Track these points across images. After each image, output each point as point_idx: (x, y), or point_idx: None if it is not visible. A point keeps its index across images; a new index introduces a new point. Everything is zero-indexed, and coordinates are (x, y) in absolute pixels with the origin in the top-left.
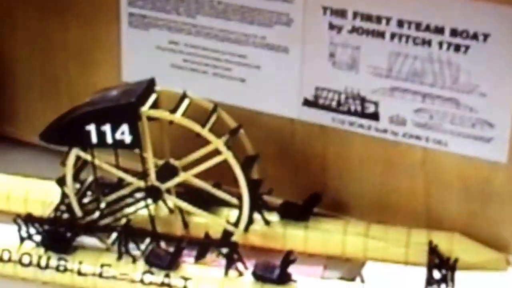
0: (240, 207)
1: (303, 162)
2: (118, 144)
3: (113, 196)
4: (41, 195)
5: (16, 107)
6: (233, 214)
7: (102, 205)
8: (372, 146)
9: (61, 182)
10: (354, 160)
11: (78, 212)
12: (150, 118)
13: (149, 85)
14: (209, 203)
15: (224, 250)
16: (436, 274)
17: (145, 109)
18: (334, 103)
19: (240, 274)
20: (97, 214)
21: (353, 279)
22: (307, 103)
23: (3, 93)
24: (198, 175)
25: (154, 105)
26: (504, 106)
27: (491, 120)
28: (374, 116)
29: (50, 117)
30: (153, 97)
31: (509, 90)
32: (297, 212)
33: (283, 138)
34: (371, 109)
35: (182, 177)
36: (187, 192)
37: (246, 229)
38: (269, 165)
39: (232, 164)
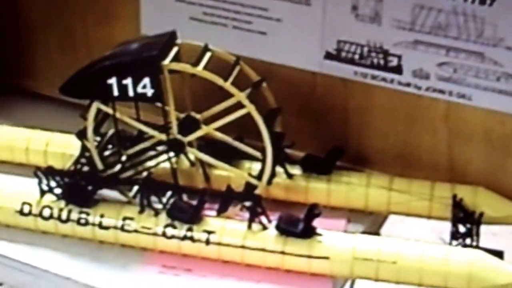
0: (263, 160)
1: (325, 115)
2: (140, 98)
3: (135, 149)
4: (61, 148)
5: (34, 60)
6: (254, 167)
7: (123, 158)
8: (394, 100)
9: (81, 135)
10: (376, 114)
11: (99, 165)
12: (171, 71)
13: (170, 38)
14: (230, 157)
15: (248, 203)
16: (460, 228)
17: (167, 62)
18: (356, 56)
19: (264, 227)
20: (118, 167)
21: (376, 233)
22: (329, 56)
23: (21, 47)
24: (219, 129)
25: (176, 58)
26: None
27: None
28: (397, 70)
29: (68, 71)
30: (174, 50)
31: None
32: (319, 166)
33: (304, 91)
34: (394, 62)
35: (204, 130)
36: (209, 146)
37: (269, 182)
38: (290, 118)
39: (255, 117)
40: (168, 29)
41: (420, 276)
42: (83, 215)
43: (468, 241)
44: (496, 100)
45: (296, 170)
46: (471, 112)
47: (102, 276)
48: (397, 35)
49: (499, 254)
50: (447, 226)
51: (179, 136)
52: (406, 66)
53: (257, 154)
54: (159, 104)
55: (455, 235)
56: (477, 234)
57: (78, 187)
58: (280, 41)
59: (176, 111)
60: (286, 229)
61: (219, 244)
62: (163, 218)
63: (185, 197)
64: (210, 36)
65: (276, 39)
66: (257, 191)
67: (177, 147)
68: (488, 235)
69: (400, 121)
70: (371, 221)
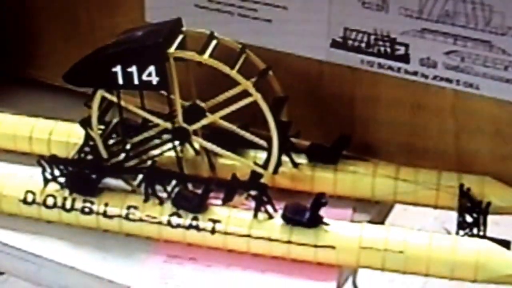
0: (269, 149)
1: (331, 104)
2: (145, 86)
3: (139, 138)
4: (64, 136)
5: (37, 49)
6: (260, 156)
7: (128, 147)
8: (401, 89)
9: (85, 123)
10: (383, 103)
11: (104, 153)
12: (177, 59)
13: (175, 26)
14: (236, 146)
15: (253, 192)
16: (467, 218)
17: (172, 50)
18: (363, 45)
19: (270, 216)
20: (122, 156)
21: (382, 222)
22: (335, 44)
23: (24, 36)
24: (225, 117)
25: (181, 46)
26: None
27: None
28: (404, 58)
29: (72, 59)
30: (179, 38)
31: None
32: (325, 155)
33: (311, 80)
34: (401, 51)
35: (209, 118)
36: (214, 134)
37: (275, 171)
38: (296, 107)
39: (262, 106)
40: (172, 17)
41: (427, 266)
42: (87, 204)
43: (475, 231)
44: (504, 89)
45: (302, 159)
46: (478, 101)
47: (106, 265)
48: (404, 23)
49: (506, 244)
50: (450, 216)
51: (184, 125)
52: (414, 55)
53: (263, 143)
54: (164, 93)
55: (461, 224)
56: (484, 224)
57: (82, 176)
58: (286, 29)
59: (181, 100)
60: (292, 218)
61: (224, 233)
62: (168, 207)
63: (190, 186)
64: (215, 23)
65: (282, 27)
66: (262, 180)
67: (182, 136)
68: (491, 225)
69: (407, 110)
70: (377, 210)
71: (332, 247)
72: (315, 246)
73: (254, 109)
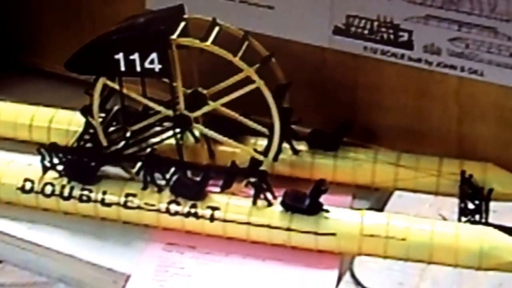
0: (270, 136)
1: (333, 91)
2: (147, 73)
3: (140, 125)
4: (64, 124)
5: (38, 37)
6: (260, 143)
7: (128, 134)
8: (405, 76)
9: (85, 111)
10: (386, 90)
11: (104, 141)
12: (179, 46)
13: (177, 12)
14: (236, 133)
15: (253, 179)
16: (469, 205)
17: (175, 37)
18: (366, 32)
19: (269, 203)
20: (122, 143)
21: (382, 209)
22: (338, 31)
23: (25, 23)
24: (226, 105)
25: (184, 33)
26: None
27: None
28: (408, 45)
29: (73, 47)
30: (182, 25)
31: None
32: (326, 141)
33: (313, 67)
34: (404, 37)
35: (211, 106)
36: (214, 122)
37: (275, 158)
38: (299, 94)
39: (265, 92)
40: (172, 4)
41: (430, 253)
42: (85, 192)
43: (477, 217)
44: (508, 76)
45: (302, 146)
46: (482, 88)
47: (105, 253)
48: (408, 10)
49: (509, 230)
50: (445, 203)
51: (185, 112)
52: (417, 41)
53: (265, 130)
54: (166, 80)
55: (463, 211)
56: (487, 211)
57: (80, 163)
58: (288, 16)
59: (183, 87)
60: (292, 205)
61: (223, 220)
62: (167, 194)
63: (189, 174)
64: (217, 10)
65: (284, 14)
66: (262, 167)
67: (183, 123)
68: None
69: (410, 96)
70: (377, 197)
71: (333, 234)
72: (316, 233)
73: (253, 96)
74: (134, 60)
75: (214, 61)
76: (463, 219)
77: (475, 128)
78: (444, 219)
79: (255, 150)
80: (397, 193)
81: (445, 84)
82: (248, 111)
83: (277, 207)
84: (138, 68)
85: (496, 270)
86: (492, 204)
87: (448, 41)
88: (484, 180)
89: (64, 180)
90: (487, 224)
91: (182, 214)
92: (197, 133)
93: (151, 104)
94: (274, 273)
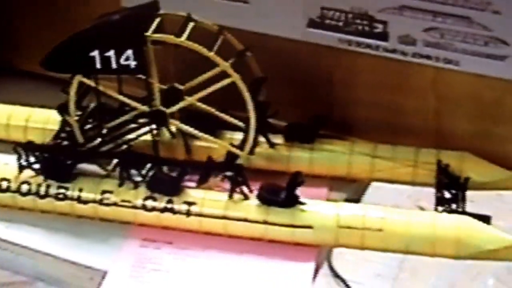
0: (246, 130)
1: (309, 84)
2: (123, 70)
3: (116, 122)
4: (41, 123)
5: (14, 36)
6: (236, 137)
7: (104, 131)
8: (380, 67)
9: (62, 109)
10: (362, 81)
11: (80, 139)
12: (154, 42)
13: (152, 9)
14: (212, 128)
15: (229, 173)
16: (446, 194)
17: (149, 33)
18: (340, 24)
19: (245, 197)
20: (98, 140)
21: (358, 201)
22: (312, 24)
23: (0, 23)
24: (202, 100)
25: (159, 29)
26: None
27: (505, 38)
28: (383, 36)
29: (49, 46)
30: (157, 21)
31: None
32: (302, 134)
33: (288, 60)
34: (379, 29)
35: (187, 101)
36: (191, 117)
37: (252, 152)
38: (275, 88)
39: (240, 87)
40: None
41: (407, 244)
42: (62, 190)
43: (453, 207)
44: (484, 65)
45: (278, 140)
46: (459, 78)
47: (83, 251)
48: (382, 1)
49: (486, 219)
50: (424, 194)
51: (161, 108)
52: (392, 33)
53: (241, 124)
54: (142, 76)
55: (440, 201)
56: (463, 200)
57: (56, 161)
58: (263, 10)
59: (160, 83)
60: (268, 198)
61: (200, 215)
62: (143, 190)
63: (165, 169)
64: (192, 6)
65: (259, 8)
66: (239, 161)
67: (159, 119)
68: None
69: (386, 88)
70: (354, 189)
71: (310, 227)
72: (292, 226)
73: (231, 90)
74: (109, 57)
75: (191, 57)
76: (440, 208)
77: (452, 118)
78: (422, 210)
79: (232, 145)
80: (375, 184)
81: (421, 74)
82: (225, 106)
83: (254, 200)
84: (114, 65)
85: (473, 259)
86: (470, 193)
87: (423, 31)
88: (461, 170)
89: (40, 179)
90: (464, 213)
91: (159, 210)
92: (173, 128)
93: (126, 100)
94: (251, 267)
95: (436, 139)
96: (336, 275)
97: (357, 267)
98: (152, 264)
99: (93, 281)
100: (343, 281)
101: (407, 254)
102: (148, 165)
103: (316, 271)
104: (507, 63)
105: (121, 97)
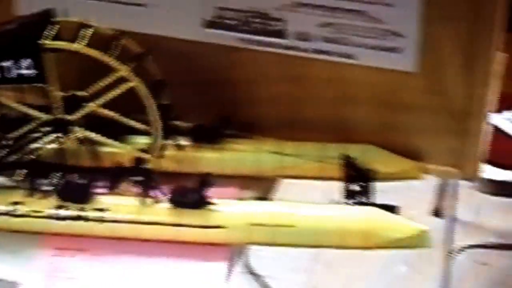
0: (151, 134)
1: (211, 84)
2: (22, 79)
3: (19, 132)
4: None
5: None
6: (145, 142)
7: (8, 142)
8: (280, 64)
9: None
10: (262, 80)
11: None
12: (53, 50)
13: (47, 16)
14: (119, 133)
15: (139, 178)
16: (354, 187)
17: (46, 41)
18: (238, 23)
19: (157, 201)
20: (2, 152)
21: (269, 198)
22: (210, 24)
23: None
24: (107, 105)
25: (56, 37)
26: (411, 15)
27: (400, 31)
28: (281, 34)
29: None
30: (54, 28)
31: None
32: (209, 135)
33: (189, 61)
34: (277, 26)
35: (89, 107)
36: (97, 123)
37: (159, 155)
38: (178, 89)
39: (141, 90)
40: (44, 7)
41: (317, 238)
42: None
43: (363, 199)
44: (381, 58)
45: (186, 141)
46: (357, 71)
47: None
48: None
49: (392, 208)
50: (337, 188)
51: (63, 116)
52: (290, 30)
53: (145, 128)
54: (42, 85)
55: (348, 194)
56: (370, 191)
57: None
58: (160, 13)
59: (61, 91)
60: (179, 201)
61: (112, 221)
62: (54, 200)
63: (74, 177)
64: (89, 11)
65: (156, 10)
66: (148, 165)
67: (63, 127)
68: (380, 193)
69: (286, 85)
70: (263, 186)
71: (222, 227)
72: (204, 227)
73: (135, 94)
74: (8, 68)
75: (92, 62)
76: (349, 201)
77: (353, 112)
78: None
79: (140, 149)
80: (288, 181)
81: (320, 70)
82: (131, 110)
83: (165, 204)
84: (13, 75)
85: (384, 248)
86: (380, 184)
87: (320, 27)
88: (367, 162)
89: None
90: (371, 204)
91: (71, 218)
92: (79, 136)
93: (27, 110)
94: (166, 270)
95: (339, 132)
96: (251, 272)
97: (273, 263)
98: (66, 273)
99: None
100: (258, 277)
101: (319, 248)
102: (57, 174)
103: (230, 269)
104: (402, 55)
105: (21, 107)
